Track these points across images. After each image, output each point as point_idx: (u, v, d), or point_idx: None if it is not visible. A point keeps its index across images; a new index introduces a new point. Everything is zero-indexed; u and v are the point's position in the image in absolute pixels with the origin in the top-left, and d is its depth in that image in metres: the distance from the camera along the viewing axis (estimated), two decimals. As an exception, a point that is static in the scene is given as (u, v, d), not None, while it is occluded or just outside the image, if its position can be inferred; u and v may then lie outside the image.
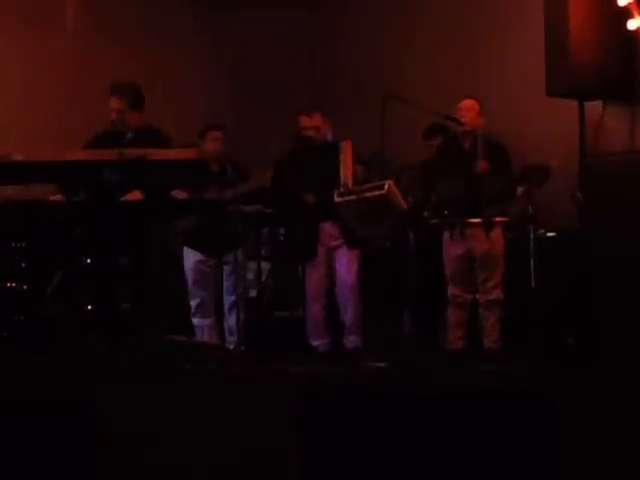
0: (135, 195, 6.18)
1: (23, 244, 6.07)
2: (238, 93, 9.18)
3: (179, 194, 6.80)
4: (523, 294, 6.70)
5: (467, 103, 6.91)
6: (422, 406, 4.60)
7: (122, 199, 6.12)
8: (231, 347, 7.05)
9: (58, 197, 6.21)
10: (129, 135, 6.56)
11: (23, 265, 6.07)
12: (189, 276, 7.27)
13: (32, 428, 4.35)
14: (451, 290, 6.89)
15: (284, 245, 7.88)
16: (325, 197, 6.78)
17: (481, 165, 6.68)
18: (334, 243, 7.08)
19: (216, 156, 7.18)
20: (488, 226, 6.68)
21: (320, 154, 7.05)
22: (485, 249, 6.75)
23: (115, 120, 6.56)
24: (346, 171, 6.78)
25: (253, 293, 7.61)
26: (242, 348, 6.98)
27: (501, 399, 4.65)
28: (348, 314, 7.07)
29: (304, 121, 7.13)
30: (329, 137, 7.18)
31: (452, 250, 6.85)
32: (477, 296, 6.82)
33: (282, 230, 8.03)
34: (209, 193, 6.97)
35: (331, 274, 7.14)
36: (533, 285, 6.55)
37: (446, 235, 6.85)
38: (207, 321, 7.24)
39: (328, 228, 7.07)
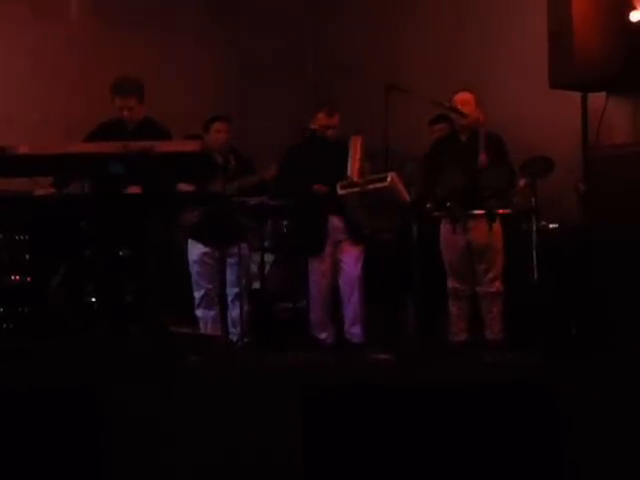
0: (134, 190, 6.20)
1: (26, 237, 6.10)
2: (243, 86, 9.18)
3: (184, 186, 6.84)
4: (526, 286, 6.71)
5: (465, 96, 6.89)
6: (425, 398, 4.61)
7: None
8: (234, 339, 7.06)
9: (50, 190, 6.26)
10: (131, 127, 6.60)
11: (27, 257, 6.11)
12: (193, 268, 7.28)
13: (36, 419, 4.38)
14: (450, 283, 6.89)
15: (289, 237, 7.88)
16: (334, 191, 6.78)
17: (482, 159, 6.66)
18: (340, 237, 7.10)
19: (220, 148, 7.17)
20: (490, 218, 6.67)
21: (330, 150, 7.05)
22: (484, 241, 6.75)
23: (126, 117, 6.60)
24: (354, 164, 6.76)
25: (257, 285, 7.63)
26: (245, 340, 6.99)
27: (504, 391, 4.66)
28: (351, 306, 7.09)
29: (324, 120, 7.08)
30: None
31: (451, 242, 6.84)
32: (477, 288, 6.83)
33: (286, 222, 8.03)
34: (214, 185, 6.98)
35: (335, 267, 7.16)
36: (536, 277, 6.55)
37: (445, 227, 6.85)
38: (211, 313, 7.25)
39: (335, 222, 7.08)
